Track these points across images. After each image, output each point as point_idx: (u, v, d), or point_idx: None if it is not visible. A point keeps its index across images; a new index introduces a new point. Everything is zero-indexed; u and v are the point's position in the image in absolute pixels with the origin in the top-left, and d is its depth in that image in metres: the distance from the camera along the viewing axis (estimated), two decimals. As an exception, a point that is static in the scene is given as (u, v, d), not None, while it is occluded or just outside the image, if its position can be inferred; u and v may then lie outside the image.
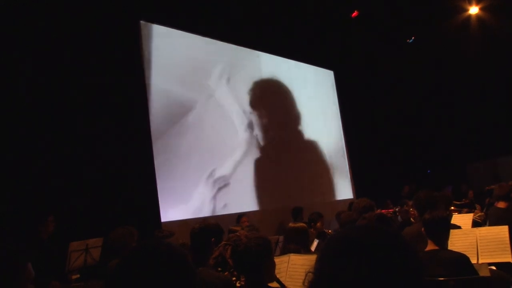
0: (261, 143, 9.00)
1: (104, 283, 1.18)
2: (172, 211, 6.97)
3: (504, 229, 3.74)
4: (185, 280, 1.11)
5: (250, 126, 8.87)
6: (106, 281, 1.16)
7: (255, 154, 8.79)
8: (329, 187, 10.45)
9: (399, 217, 6.62)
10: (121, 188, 6.24)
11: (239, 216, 7.07)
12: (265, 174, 8.83)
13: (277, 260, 2.91)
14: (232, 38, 8.79)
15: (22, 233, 4.89)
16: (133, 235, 3.81)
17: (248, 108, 8.93)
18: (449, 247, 3.27)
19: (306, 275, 0.97)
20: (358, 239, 0.93)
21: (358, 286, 0.86)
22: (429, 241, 3.17)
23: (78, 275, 4.99)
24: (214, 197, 7.80)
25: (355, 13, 9.62)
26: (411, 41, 11.22)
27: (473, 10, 10.38)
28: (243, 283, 2.15)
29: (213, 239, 2.71)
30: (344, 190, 11.05)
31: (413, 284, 0.88)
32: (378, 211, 5.50)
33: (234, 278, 2.21)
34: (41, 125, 5.72)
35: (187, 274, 1.12)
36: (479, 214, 6.26)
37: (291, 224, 4.13)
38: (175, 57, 7.76)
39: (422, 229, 3.24)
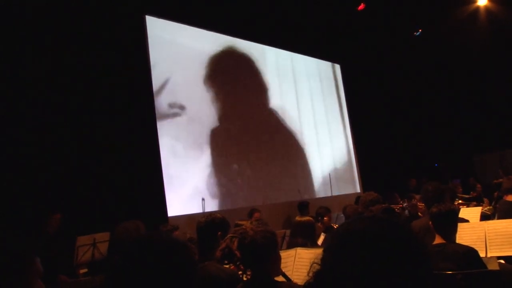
0: (268, 138, 8.99)
1: (105, 277, 1.17)
2: (178, 205, 6.98)
3: (513, 222, 3.70)
4: (185, 271, 1.10)
5: (257, 120, 8.85)
6: (107, 274, 1.15)
7: (262, 149, 8.77)
8: (336, 181, 10.41)
9: (406, 211, 6.59)
10: (128, 183, 6.27)
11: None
12: (272, 169, 8.82)
13: (284, 254, 2.90)
14: (237, 31, 8.77)
15: (29, 228, 4.92)
16: (140, 229, 3.79)
17: (253, 102, 8.92)
18: (457, 241, 3.23)
19: (311, 266, 0.95)
20: (362, 230, 0.91)
21: (362, 277, 0.84)
22: (436, 235, 3.14)
23: (86, 270, 5.02)
24: (221, 192, 7.81)
25: (361, 6, 9.54)
26: (418, 34, 11.10)
27: (482, 1, 10.25)
28: (249, 276, 2.14)
29: (219, 232, 2.70)
30: (351, 184, 11.01)
31: (419, 275, 0.86)
32: (386, 205, 5.46)
33: (240, 272, 2.21)
34: (47, 120, 5.74)
35: (187, 265, 1.11)
36: (488, 207, 6.21)
37: (297, 218, 4.12)
38: (180, 50, 7.75)
39: (430, 222, 3.21)
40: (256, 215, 6.63)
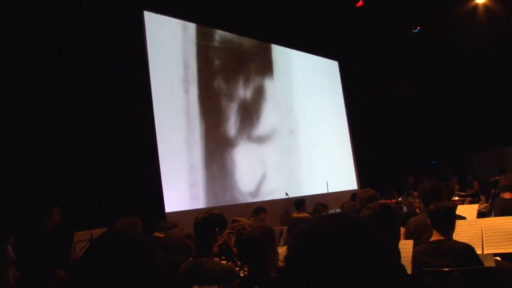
0: (266, 134, 8.98)
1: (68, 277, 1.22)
2: (176, 201, 6.98)
3: (510, 219, 3.72)
4: (145, 269, 1.12)
5: (255, 117, 8.85)
6: (69, 275, 1.19)
7: (259, 145, 8.77)
8: (334, 178, 10.42)
9: (404, 208, 6.59)
10: (126, 179, 6.26)
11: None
12: (270, 165, 8.82)
13: (281, 250, 2.91)
14: (237, 28, 8.75)
15: (28, 223, 4.92)
16: (137, 225, 3.81)
17: (252, 98, 8.91)
18: (454, 238, 3.24)
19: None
20: (320, 227, 0.91)
21: (321, 274, 0.84)
22: (434, 232, 3.16)
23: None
24: (218, 187, 7.81)
25: (360, 3, 9.52)
26: (416, 31, 11.09)
27: (480, -1, 10.27)
28: (246, 273, 2.14)
29: (216, 229, 2.70)
30: (348, 181, 11.02)
31: (377, 274, 0.86)
32: (382, 201, 5.46)
33: (237, 268, 2.21)
34: (45, 117, 5.73)
35: (144, 263, 1.13)
36: (484, 205, 6.24)
37: (294, 214, 4.14)
38: (180, 47, 7.73)
39: (428, 219, 3.22)
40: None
